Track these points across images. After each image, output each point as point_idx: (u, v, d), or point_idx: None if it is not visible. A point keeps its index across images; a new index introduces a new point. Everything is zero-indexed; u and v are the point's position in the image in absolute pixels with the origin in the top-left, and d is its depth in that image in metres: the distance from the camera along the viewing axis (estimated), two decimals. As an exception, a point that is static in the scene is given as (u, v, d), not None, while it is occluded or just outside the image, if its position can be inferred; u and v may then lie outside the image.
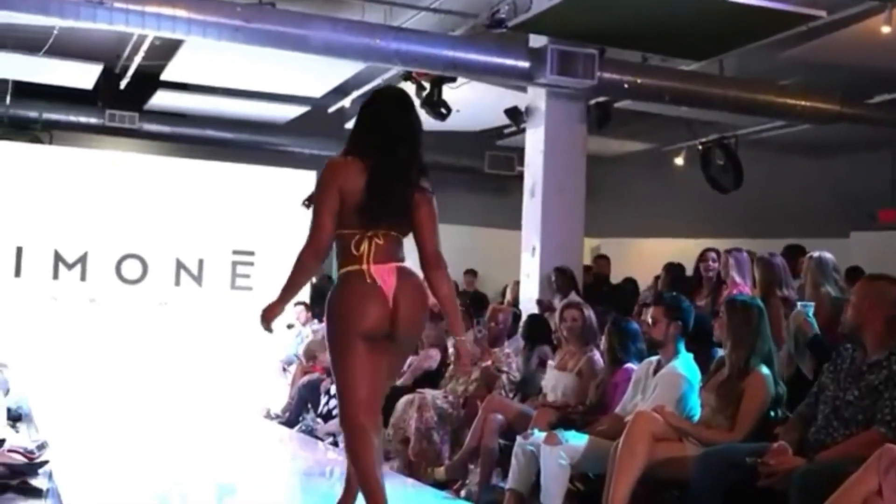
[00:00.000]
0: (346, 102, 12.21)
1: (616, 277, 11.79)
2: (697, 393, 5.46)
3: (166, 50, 10.73)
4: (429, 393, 7.68)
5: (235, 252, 13.02)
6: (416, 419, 7.34)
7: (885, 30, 8.56)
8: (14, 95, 12.81)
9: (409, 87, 10.46)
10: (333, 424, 8.31)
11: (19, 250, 12.09)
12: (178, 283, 12.79)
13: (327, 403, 9.04)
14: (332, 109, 12.60)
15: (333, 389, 5.90)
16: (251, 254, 13.05)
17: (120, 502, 5.64)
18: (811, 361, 5.66)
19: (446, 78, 10.30)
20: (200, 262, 12.86)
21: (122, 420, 8.68)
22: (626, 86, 9.94)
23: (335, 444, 8.06)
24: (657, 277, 9.60)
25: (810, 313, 5.76)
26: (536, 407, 6.62)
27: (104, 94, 12.93)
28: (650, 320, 5.82)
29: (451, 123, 10.97)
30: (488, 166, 14.83)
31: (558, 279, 9.57)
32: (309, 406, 9.53)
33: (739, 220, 12.87)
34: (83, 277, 12.37)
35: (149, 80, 12.24)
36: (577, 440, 5.54)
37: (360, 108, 4.48)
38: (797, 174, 13.32)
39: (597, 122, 10.57)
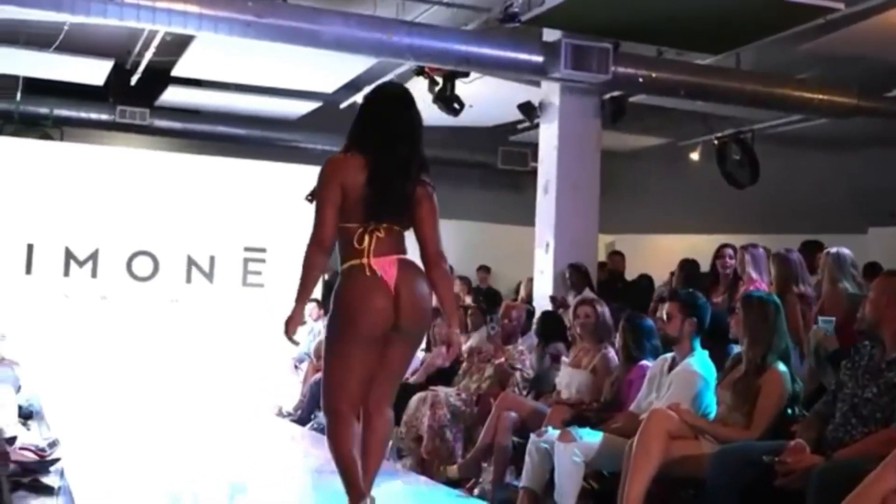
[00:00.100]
0: (358, 98, 12.12)
1: (631, 274, 11.73)
2: (713, 390, 5.42)
3: (177, 46, 10.73)
4: (442, 390, 7.67)
5: (247, 249, 12.98)
6: (428, 417, 7.34)
7: (904, 22, 8.49)
8: (25, 92, 12.82)
9: (422, 83, 10.44)
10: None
11: (30, 247, 12.06)
12: (189, 280, 12.75)
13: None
14: (343, 105, 12.54)
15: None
16: (263, 251, 13.01)
17: (131, 500, 5.64)
18: (833, 376, 5.60)
19: (459, 73, 10.26)
20: (212, 259, 12.83)
21: (133, 417, 8.69)
22: (640, 80, 9.88)
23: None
24: (673, 273, 9.53)
25: (831, 329, 5.70)
26: (550, 404, 6.61)
27: (115, 91, 12.94)
28: (665, 316, 5.78)
29: (463, 119, 10.94)
30: (502, 162, 14.79)
31: (572, 276, 9.53)
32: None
33: (756, 216, 12.80)
34: (94, 274, 12.34)
35: (160, 76, 12.24)
36: (591, 437, 5.51)
37: (361, 105, 4.55)
38: (814, 169, 13.22)
39: (611, 116, 10.51)
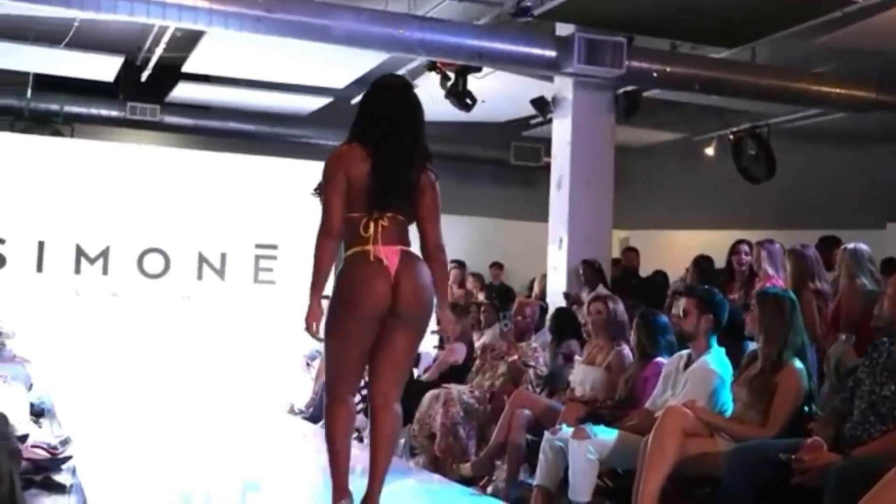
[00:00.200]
0: (369, 94, 12.12)
1: (645, 270, 11.69)
2: (729, 388, 5.39)
3: (187, 41, 10.69)
4: (455, 388, 7.66)
5: (258, 246, 12.96)
6: (441, 414, 7.34)
7: (924, 14, 8.41)
8: (35, 89, 12.79)
9: (434, 78, 10.40)
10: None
11: (41, 245, 12.07)
12: (200, 277, 12.74)
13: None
14: (355, 101, 12.45)
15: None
16: (274, 247, 12.99)
17: (144, 498, 5.62)
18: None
19: (471, 68, 10.24)
20: (223, 255, 12.81)
21: (145, 415, 8.67)
22: (655, 74, 9.83)
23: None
24: (688, 270, 9.47)
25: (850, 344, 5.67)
26: (564, 402, 6.59)
27: (125, 87, 12.92)
28: (681, 312, 5.77)
29: (476, 114, 10.91)
30: (514, 157, 14.73)
31: (586, 272, 9.50)
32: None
33: (772, 212, 12.72)
34: (105, 272, 12.34)
35: (170, 72, 12.20)
36: (606, 435, 5.50)
37: (363, 98, 4.61)
38: (832, 164, 13.13)
39: (625, 111, 10.43)
